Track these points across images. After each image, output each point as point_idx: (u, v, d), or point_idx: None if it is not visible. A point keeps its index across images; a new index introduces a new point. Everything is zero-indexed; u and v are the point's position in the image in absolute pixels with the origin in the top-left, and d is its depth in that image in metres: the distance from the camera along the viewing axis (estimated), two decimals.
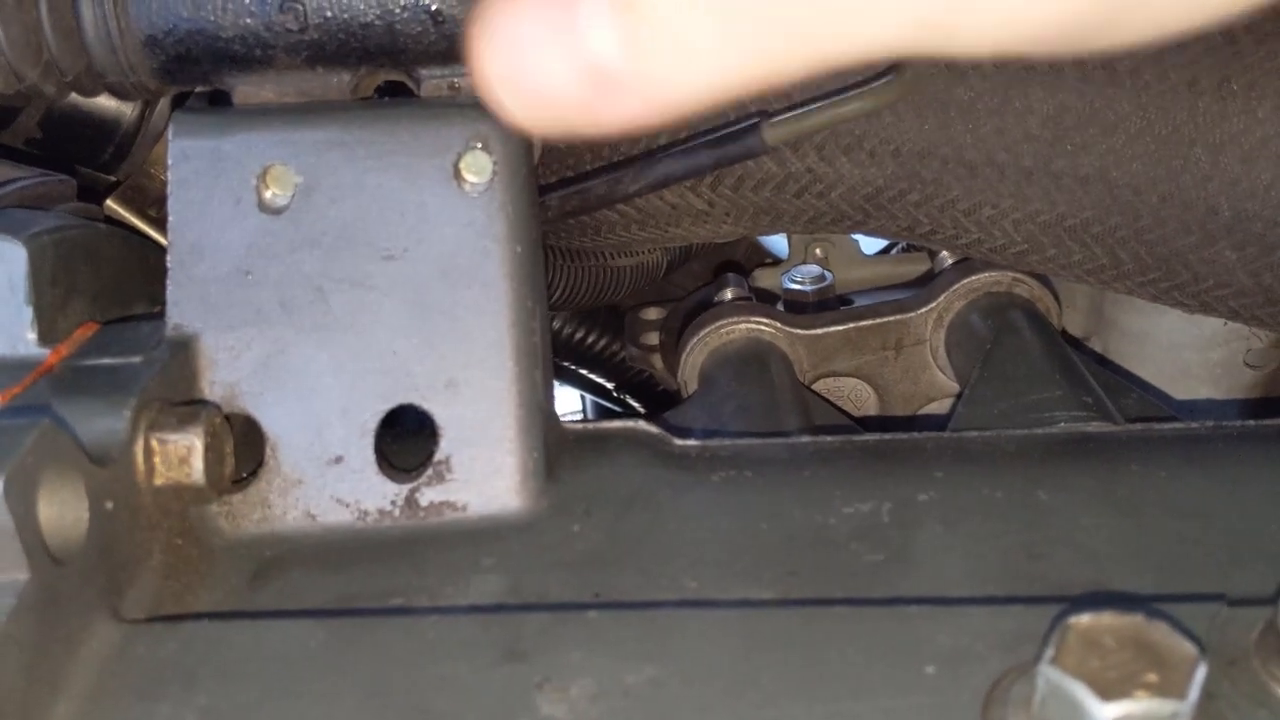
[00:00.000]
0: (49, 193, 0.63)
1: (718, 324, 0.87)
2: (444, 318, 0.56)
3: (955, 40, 0.29)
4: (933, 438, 0.63)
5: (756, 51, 0.28)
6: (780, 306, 1.10)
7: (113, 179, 0.80)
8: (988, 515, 0.55)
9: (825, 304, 1.08)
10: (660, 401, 1.42)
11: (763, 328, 0.86)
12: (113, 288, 0.62)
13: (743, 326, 0.86)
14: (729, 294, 0.99)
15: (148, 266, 0.67)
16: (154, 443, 0.49)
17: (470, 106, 0.58)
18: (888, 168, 0.69)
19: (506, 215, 0.57)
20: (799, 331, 0.86)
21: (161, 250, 0.70)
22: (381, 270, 0.57)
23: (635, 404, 1.51)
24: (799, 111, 0.61)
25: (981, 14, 0.28)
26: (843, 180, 0.71)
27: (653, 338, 1.22)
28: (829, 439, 0.63)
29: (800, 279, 1.09)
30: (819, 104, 0.61)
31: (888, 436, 0.62)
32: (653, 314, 1.25)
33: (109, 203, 0.78)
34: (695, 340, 0.87)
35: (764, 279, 1.12)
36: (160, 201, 0.80)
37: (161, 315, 0.57)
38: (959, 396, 0.85)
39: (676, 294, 1.31)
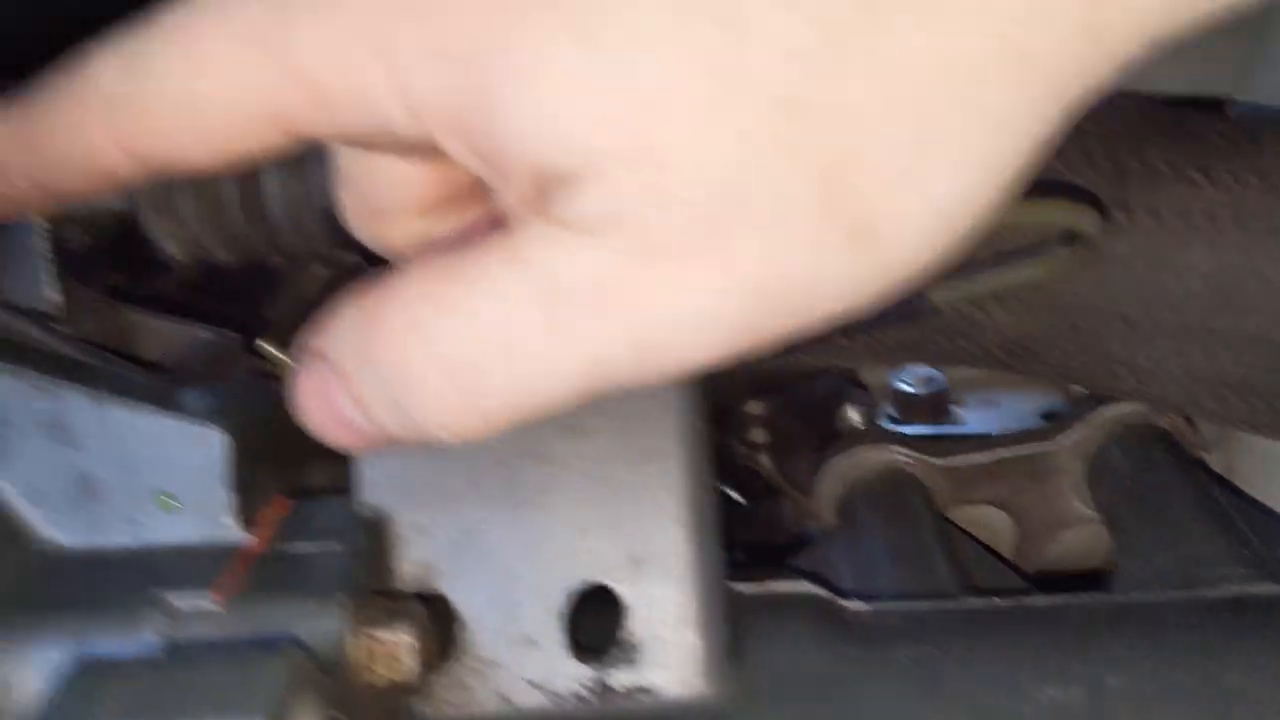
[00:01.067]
0: (225, 352, 0.65)
1: (854, 453, 0.87)
2: (628, 495, 0.57)
3: (626, 383, 0.37)
4: (1104, 602, 0.63)
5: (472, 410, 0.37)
6: (890, 409, 1.11)
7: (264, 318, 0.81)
8: (1179, 702, 0.54)
9: (938, 406, 1.08)
10: (756, 491, 1.41)
11: (901, 458, 0.86)
12: (290, 450, 0.63)
13: (881, 457, 0.86)
14: (852, 414, 0.99)
15: None
16: (367, 640, 0.50)
17: None
18: (1042, 317, 0.69)
19: (685, 391, 0.58)
20: (938, 462, 0.86)
21: None
22: (567, 447, 0.57)
23: (735, 495, 1.51)
24: (969, 275, 0.62)
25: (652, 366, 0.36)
26: (994, 326, 0.71)
27: (759, 435, 1.22)
28: (1001, 602, 0.63)
29: (911, 380, 1.10)
30: (992, 269, 0.61)
31: (1060, 600, 0.62)
32: (757, 408, 1.25)
33: (261, 343, 0.79)
34: (831, 471, 0.87)
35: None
36: None
37: (345, 489, 0.59)
38: (1106, 530, 0.85)
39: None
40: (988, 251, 0.63)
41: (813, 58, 0.32)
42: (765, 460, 1.19)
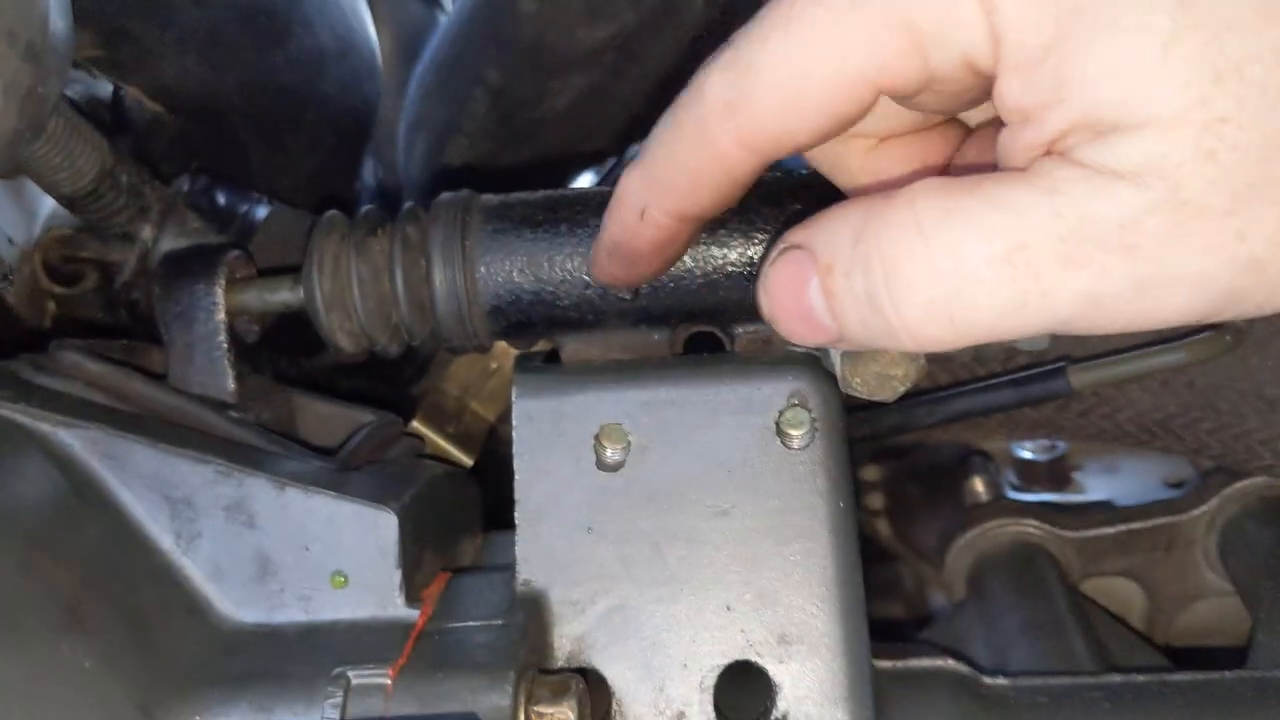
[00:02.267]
0: (388, 435, 0.68)
1: (984, 526, 0.88)
2: (774, 573, 0.59)
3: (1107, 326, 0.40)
4: (1245, 679, 0.62)
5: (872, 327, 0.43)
6: (1011, 475, 1.11)
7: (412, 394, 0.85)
8: None
9: (1059, 473, 1.08)
10: (873, 557, 1.41)
11: (1032, 530, 0.87)
12: (447, 526, 0.66)
13: (1011, 529, 0.87)
14: (979, 485, 1.00)
15: (466, 497, 0.72)
16: (533, 716, 0.52)
17: (786, 363, 0.61)
18: (1181, 397, 0.70)
19: (828, 471, 0.60)
20: (1069, 534, 0.87)
21: (467, 474, 0.75)
22: (713, 526, 0.59)
23: None
24: (1110, 359, 0.63)
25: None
26: (1131, 405, 0.72)
27: (876, 500, 1.23)
28: (1141, 679, 0.63)
29: (1031, 447, 1.10)
30: (1133, 354, 0.62)
31: (1201, 677, 0.63)
32: (873, 474, 1.25)
33: (415, 424, 0.83)
34: (961, 543, 0.88)
35: None
36: (456, 418, 0.85)
37: (503, 567, 0.62)
38: (1242, 602, 0.84)
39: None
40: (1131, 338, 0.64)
41: None
42: (883, 526, 1.20)
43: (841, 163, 0.52)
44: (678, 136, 0.48)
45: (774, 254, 0.46)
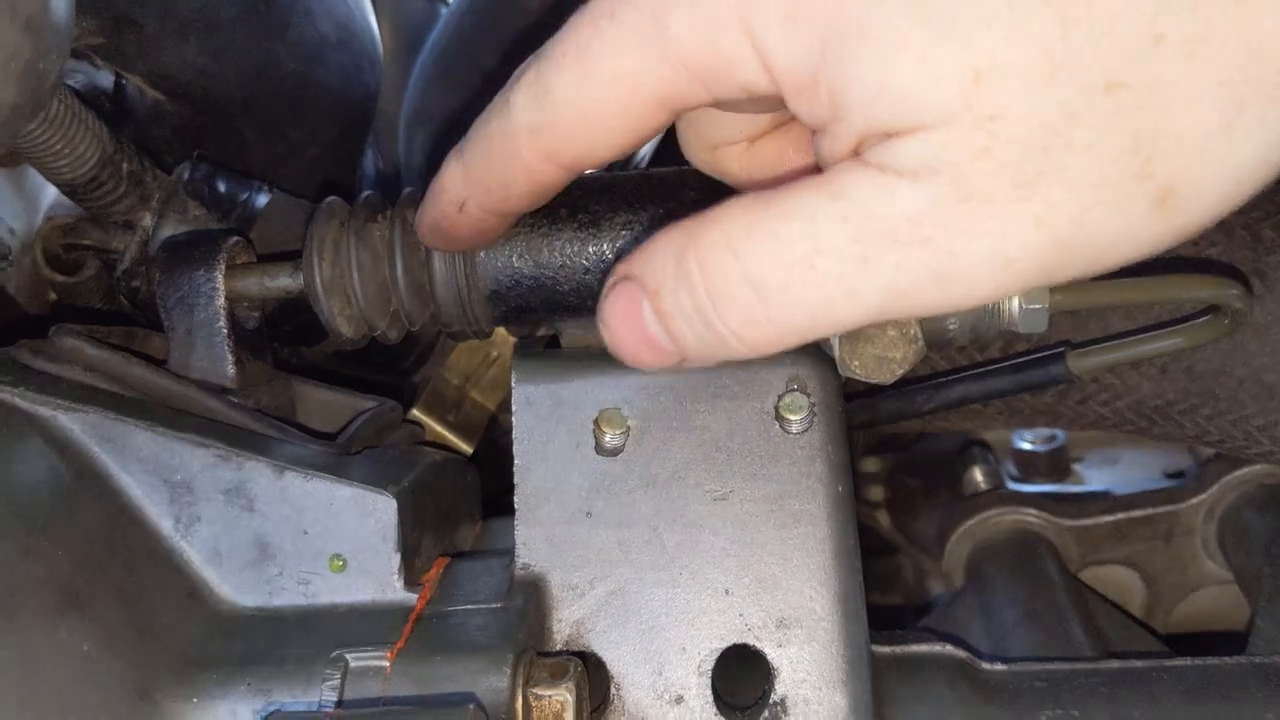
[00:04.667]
0: (387, 422, 0.68)
1: (983, 515, 0.88)
2: (773, 557, 0.59)
3: (920, 311, 0.43)
4: (1244, 665, 0.63)
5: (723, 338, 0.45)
6: (1010, 466, 1.11)
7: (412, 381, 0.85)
8: None
9: (1058, 464, 1.08)
10: (873, 548, 1.41)
11: (1031, 518, 0.87)
12: (446, 512, 0.66)
13: (1010, 518, 0.87)
14: (979, 475, 1.00)
15: (465, 484, 0.72)
16: (531, 698, 0.52)
17: None
18: (1180, 383, 0.70)
19: (827, 456, 0.60)
20: (1068, 523, 0.87)
21: (466, 461, 0.75)
22: (712, 510, 0.60)
23: None
24: (1110, 344, 0.63)
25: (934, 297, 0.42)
26: (1131, 391, 0.72)
27: (876, 492, 1.23)
28: (1139, 664, 0.63)
29: (1031, 438, 1.10)
30: (1132, 339, 0.62)
31: (1200, 662, 0.63)
32: (874, 465, 1.25)
33: (415, 411, 0.83)
34: (960, 531, 0.88)
35: None
36: (456, 406, 0.85)
37: (502, 552, 0.62)
38: (1239, 586, 0.84)
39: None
40: (1128, 324, 0.64)
41: (1134, 44, 0.38)
42: (883, 517, 1.20)
43: (721, 167, 0.55)
44: (489, 147, 0.51)
45: (607, 287, 0.49)
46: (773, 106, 0.47)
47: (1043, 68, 0.38)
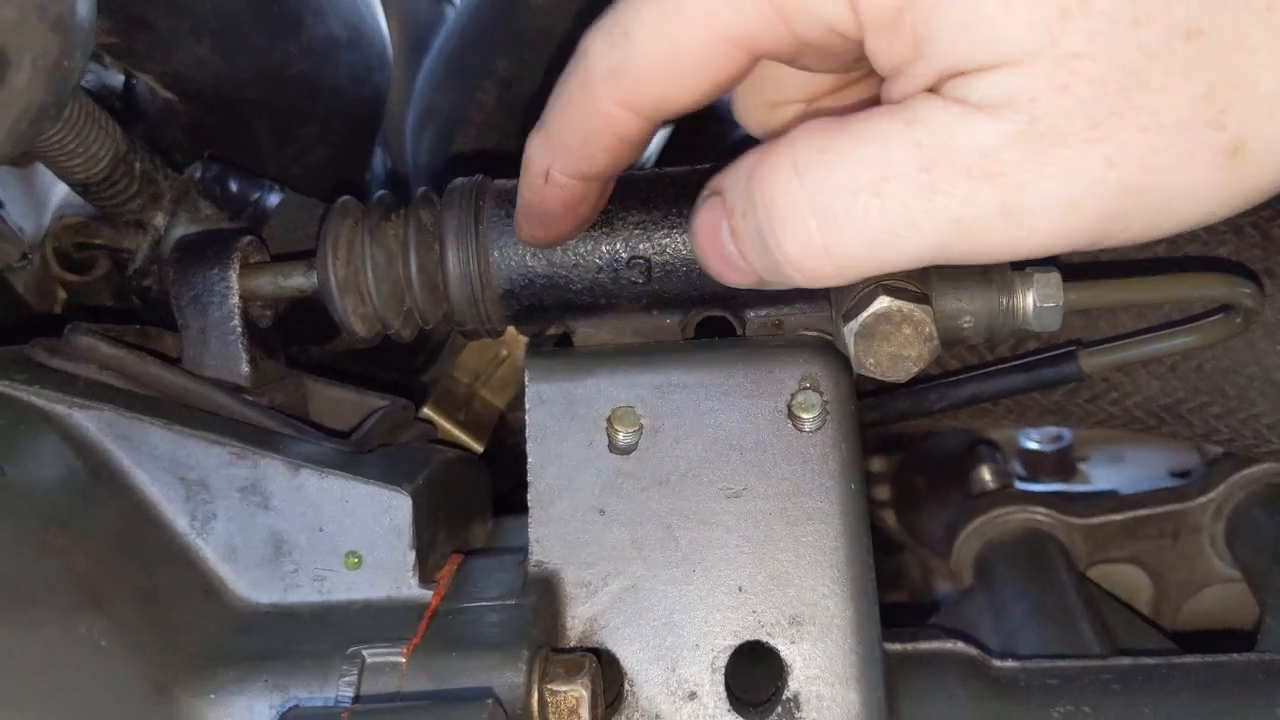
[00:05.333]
0: (400, 420, 0.68)
1: (991, 514, 0.88)
2: (786, 555, 0.59)
3: (975, 250, 0.43)
4: (1253, 662, 0.63)
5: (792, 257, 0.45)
6: (1017, 465, 1.11)
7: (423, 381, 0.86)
8: None
9: (1065, 463, 1.08)
10: (880, 548, 1.41)
11: (1039, 517, 0.87)
12: (459, 510, 0.67)
13: (1019, 517, 0.87)
14: (986, 474, 1.00)
15: (477, 482, 0.72)
16: (546, 694, 0.53)
17: (798, 347, 0.62)
18: (1190, 381, 0.70)
19: (840, 453, 0.60)
20: (1076, 521, 0.87)
21: (478, 459, 0.75)
22: (725, 508, 0.60)
23: None
24: (1121, 343, 0.63)
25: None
26: (1140, 390, 0.72)
27: (882, 491, 1.23)
28: (1150, 662, 0.63)
29: (1038, 437, 1.10)
30: (1143, 337, 0.62)
31: (1209, 659, 0.63)
32: (880, 465, 1.25)
33: (426, 410, 0.83)
34: (969, 530, 0.88)
35: None
36: (466, 405, 0.86)
37: (515, 549, 0.62)
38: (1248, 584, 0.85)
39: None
40: (1140, 323, 0.65)
41: None
42: (889, 516, 1.20)
43: (775, 128, 0.55)
44: (569, 102, 0.51)
45: (699, 199, 0.50)
46: (844, 61, 0.47)
47: (1127, 9, 0.39)
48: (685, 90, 0.48)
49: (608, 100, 0.49)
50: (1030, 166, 0.41)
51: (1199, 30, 0.39)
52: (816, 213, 0.43)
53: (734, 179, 0.47)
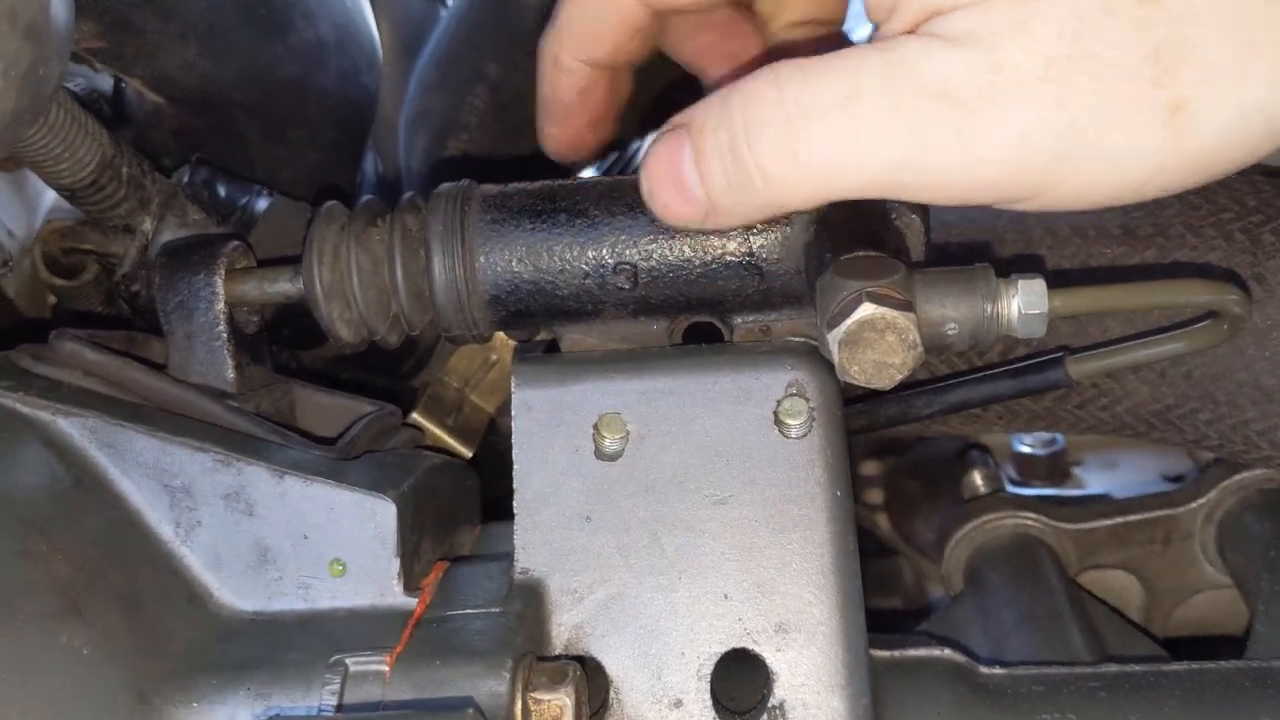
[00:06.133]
0: (387, 426, 0.68)
1: (982, 519, 0.88)
2: (772, 562, 0.59)
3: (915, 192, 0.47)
4: (1242, 669, 0.63)
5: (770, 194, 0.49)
6: (1009, 469, 1.11)
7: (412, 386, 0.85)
8: None
9: (1057, 467, 1.08)
10: (872, 552, 1.40)
11: (1030, 522, 0.87)
12: (445, 516, 0.67)
13: (1009, 522, 0.87)
14: (978, 479, 1.00)
15: (465, 488, 0.72)
16: (530, 702, 0.52)
17: (784, 353, 0.61)
18: (1179, 388, 0.70)
19: (826, 460, 0.60)
20: (1067, 526, 0.87)
21: (465, 465, 0.75)
22: (711, 515, 0.60)
23: None
24: (1108, 349, 0.63)
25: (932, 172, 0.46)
26: (1129, 396, 0.72)
27: (875, 495, 1.23)
28: (1138, 669, 0.63)
29: (1030, 441, 1.10)
30: (1131, 343, 0.62)
31: (1198, 667, 0.63)
32: (873, 469, 1.25)
33: (415, 415, 0.83)
34: (959, 535, 0.88)
35: None
36: (455, 410, 0.85)
37: (501, 556, 0.62)
38: (1240, 593, 0.84)
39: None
40: (1128, 329, 0.64)
41: None
42: (882, 520, 1.20)
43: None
44: None
45: (657, 135, 0.52)
46: None
47: None
48: None
49: None
50: (987, 95, 0.44)
51: None
52: (790, 118, 0.46)
53: (706, 104, 0.50)
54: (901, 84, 0.45)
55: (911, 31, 0.46)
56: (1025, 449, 1.06)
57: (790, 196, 0.49)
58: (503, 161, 0.93)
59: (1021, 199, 0.47)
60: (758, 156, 0.48)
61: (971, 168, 0.45)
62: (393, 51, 1.07)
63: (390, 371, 0.85)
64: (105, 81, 0.85)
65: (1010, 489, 0.98)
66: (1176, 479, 0.95)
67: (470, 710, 0.46)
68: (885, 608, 1.14)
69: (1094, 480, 1.03)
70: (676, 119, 0.52)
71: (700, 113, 0.51)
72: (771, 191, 0.49)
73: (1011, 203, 0.48)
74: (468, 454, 0.85)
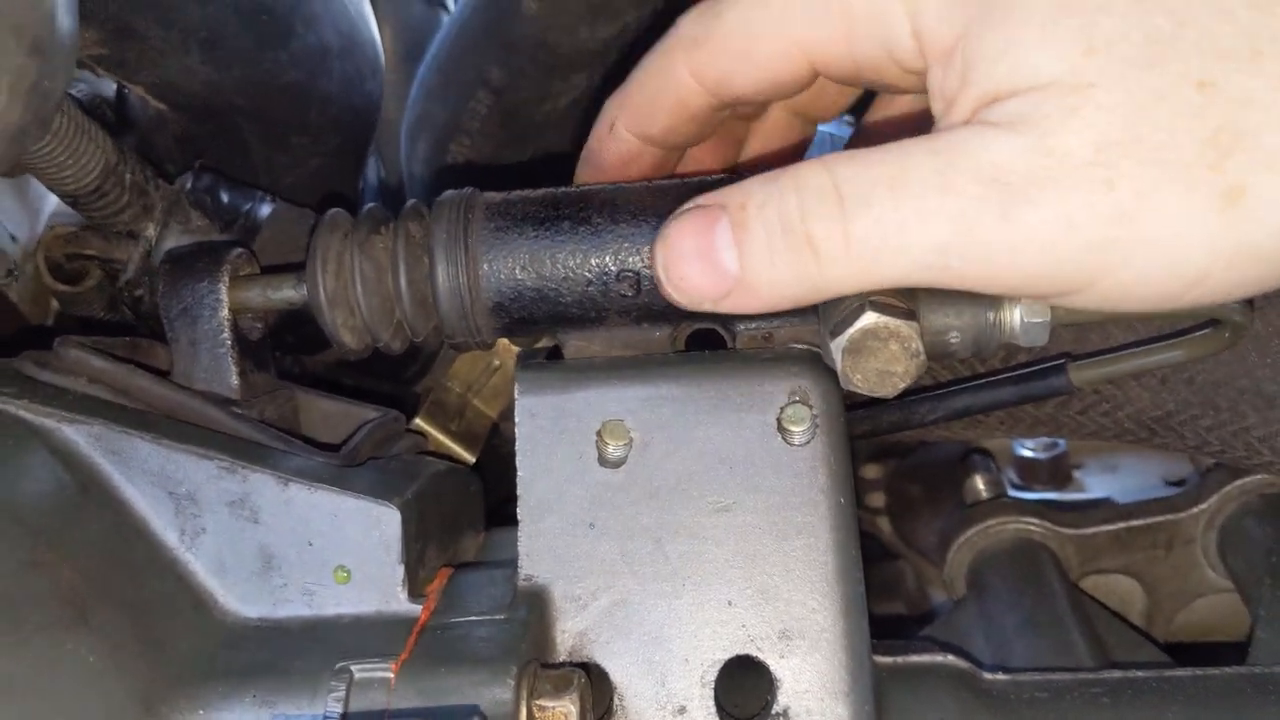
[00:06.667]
0: (391, 432, 0.68)
1: (985, 524, 0.88)
2: (776, 569, 0.59)
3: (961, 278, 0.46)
4: (1244, 675, 0.63)
5: (809, 276, 0.48)
6: (1011, 473, 1.11)
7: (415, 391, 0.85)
8: None
9: (1059, 471, 1.08)
10: (874, 555, 1.40)
11: (1032, 527, 0.87)
12: (449, 523, 0.67)
13: (1012, 527, 0.87)
14: (980, 483, 1.00)
15: (468, 494, 0.72)
16: (535, 709, 0.53)
17: (787, 360, 0.62)
18: (1181, 394, 0.70)
19: (829, 466, 0.60)
20: (1069, 531, 0.87)
21: (469, 471, 0.75)
22: (715, 522, 0.60)
23: None
24: (1110, 356, 0.63)
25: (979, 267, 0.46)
26: (1131, 402, 0.72)
27: (877, 499, 1.23)
28: (1141, 674, 0.63)
29: (1032, 445, 1.10)
30: (1132, 350, 0.62)
31: (1199, 672, 0.63)
32: (874, 472, 1.25)
33: (418, 421, 0.83)
34: (962, 540, 0.88)
35: None
36: (459, 415, 0.85)
37: (505, 563, 0.62)
38: (1241, 597, 0.84)
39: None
40: (1131, 335, 0.65)
41: (1234, 54, 0.42)
42: (884, 524, 1.20)
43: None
44: (648, 63, 0.58)
45: (678, 212, 0.53)
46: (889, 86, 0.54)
47: (1146, 54, 0.42)
48: (748, 76, 0.55)
49: (681, 65, 0.56)
50: (1036, 179, 0.43)
51: (1210, 82, 0.42)
52: (841, 199, 0.47)
53: (744, 185, 0.51)
54: (950, 168, 0.45)
55: (968, 121, 0.46)
56: (1027, 453, 1.06)
57: (838, 277, 0.48)
58: (505, 167, 0.93)
59: (1070, 290, 0.46)
60: (814, 239, 0.48)
61: (1016, 252, 0.45)
62: (394, 57, 1.07)
63: (393, 377, 0.85)
64: (108, 87, 0.85)
65: (1012, 493, 0.98)
66: (1177, 484, 0.95)
67: (476, 718, 0.46)
68: (887, 613, 1.14)
69: (1095, 484, 1.03)
70: (702, 199, 0.52)
71: (738, 193, 0.50)
72: (821, 271, 0.48)
73: (1061, 295, 0.47)
74: (470, 459, 0.85)
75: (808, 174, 0.48)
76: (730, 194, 0.51)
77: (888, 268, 0.47)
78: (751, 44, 0.54)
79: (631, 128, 0.61)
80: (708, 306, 0.54)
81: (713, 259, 0.51)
